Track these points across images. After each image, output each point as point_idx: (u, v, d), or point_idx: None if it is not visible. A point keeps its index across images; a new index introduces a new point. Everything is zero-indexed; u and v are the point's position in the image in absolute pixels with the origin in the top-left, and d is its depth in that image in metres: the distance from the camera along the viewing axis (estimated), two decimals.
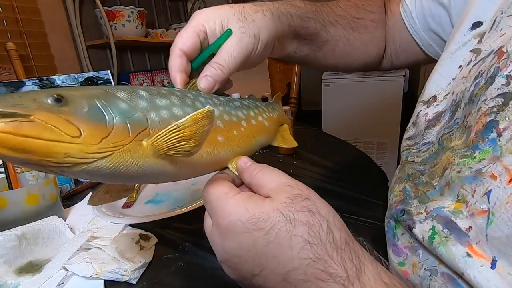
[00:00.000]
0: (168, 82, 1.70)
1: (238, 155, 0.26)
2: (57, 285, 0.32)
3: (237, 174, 0.25)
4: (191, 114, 0.18)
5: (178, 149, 0.19)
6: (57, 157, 0.16)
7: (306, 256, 0.19)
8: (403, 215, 0.31)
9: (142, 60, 1.80)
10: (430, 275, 0.26)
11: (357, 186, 0.52)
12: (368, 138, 1.76)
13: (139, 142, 0.18)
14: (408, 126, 0.38)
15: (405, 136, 0.38)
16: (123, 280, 0.33)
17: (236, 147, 0.26)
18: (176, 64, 0.28)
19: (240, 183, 0.26)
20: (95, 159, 0.17)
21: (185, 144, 0.19)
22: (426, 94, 0.36)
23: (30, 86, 0.65)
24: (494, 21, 0.30)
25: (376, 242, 0.36)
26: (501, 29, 0.28)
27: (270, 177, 0.23)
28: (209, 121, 0.19)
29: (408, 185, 0.33)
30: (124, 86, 0.21)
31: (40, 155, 0.15)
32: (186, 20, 1.97)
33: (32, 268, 0.35)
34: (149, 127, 0.19)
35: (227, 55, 0.29)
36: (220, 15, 0.31)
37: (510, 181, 0.21)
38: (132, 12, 1.40)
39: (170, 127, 0.18)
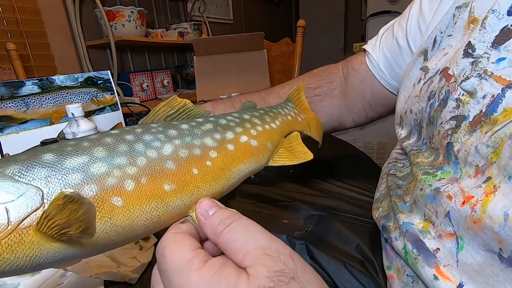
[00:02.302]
0: (168, 82, 1.70)
1: (206, 197, 0.21)
2: (57, 285, 0.32)
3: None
4: (52, 200, 0.14)
5: (69, 235, 0.15)
6: None
7: None
8: (384, 232, 0.31)
9: (142, 60, 1.80)
10: (412, 282, 0.26)
11: (357, 186, 0.52)
12: (368, 138, 1.76)
13: (26, 229, 0.15)
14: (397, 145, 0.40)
15: (397, 150, 0.40)
16: (123, 280, 0.33)
17: (199, 189, 0.20)
18: None
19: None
20: None
21: (69, 231, 0.15)
22: (396, 116, 0.38)
23: (30, 86, 0.65)
24: (435, 39, 0.31)
25: (373, 243, 0.36)
26: (444, 48, 0.29)
27: (242, 237, 0.17)
28: (78, 205, 0.14)
29: (389, 198, 0.34)
30: (28, 152, 0.17)
31: None
32: (186, 20, 1.97)
33: None
34: (45, 204, 0.15)
35: None
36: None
37: (463, 203, 0.21)
38: (132, 12, 1.40)
39: (43, 214, 0.14)
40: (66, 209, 0.14)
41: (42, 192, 0.15)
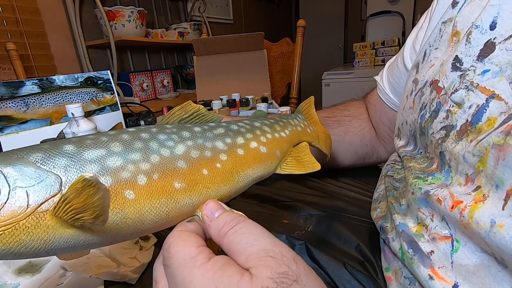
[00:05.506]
0: (168, 82, 1.70)
1: (214, 198, 0.21)
2: (57, 285, 0.32)
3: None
4: (72, 183, 0.15)
5: (82, 221, 0.16)
6: None
7: None
8: (382, 232, 0.32)
9: (142, 60, 1.80)
10: (409, 284, 0.26)
11: (357, 186, 0.52)
12: None
13: (43, 213, 0.16)
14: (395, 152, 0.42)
15: (395, 154, 0.41)
16: (123, 280, 0.33)
17: (208, 189, 0.21)
18: None
19: None
20: None
21: (83, 216, 0.15)
22: (395, 128, 0.40)
23: (30, 86, 0.65)
24: (425, 53, 0.33)
25: (373, 243, 0.36)
26: (430, 60, 0.31)
27: (246, 239, 0.17)
28: (95, 190, 0.15)
29: (386, 199, 0.35)
30: (50, 142, 0.18)
31: None
32: (186, 20, 1.97)
33: (31, 268, 0.35)
34: (63, 191, 0.16)
35: None
36: None
37: (452, 208, 0.21)
38: (132, 12, 1.40)
39: (61, 198, 0.15)
40: (83, 193, 0.15)
41: (61, 179, 0.16)
